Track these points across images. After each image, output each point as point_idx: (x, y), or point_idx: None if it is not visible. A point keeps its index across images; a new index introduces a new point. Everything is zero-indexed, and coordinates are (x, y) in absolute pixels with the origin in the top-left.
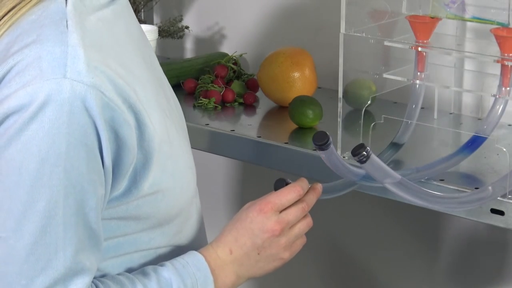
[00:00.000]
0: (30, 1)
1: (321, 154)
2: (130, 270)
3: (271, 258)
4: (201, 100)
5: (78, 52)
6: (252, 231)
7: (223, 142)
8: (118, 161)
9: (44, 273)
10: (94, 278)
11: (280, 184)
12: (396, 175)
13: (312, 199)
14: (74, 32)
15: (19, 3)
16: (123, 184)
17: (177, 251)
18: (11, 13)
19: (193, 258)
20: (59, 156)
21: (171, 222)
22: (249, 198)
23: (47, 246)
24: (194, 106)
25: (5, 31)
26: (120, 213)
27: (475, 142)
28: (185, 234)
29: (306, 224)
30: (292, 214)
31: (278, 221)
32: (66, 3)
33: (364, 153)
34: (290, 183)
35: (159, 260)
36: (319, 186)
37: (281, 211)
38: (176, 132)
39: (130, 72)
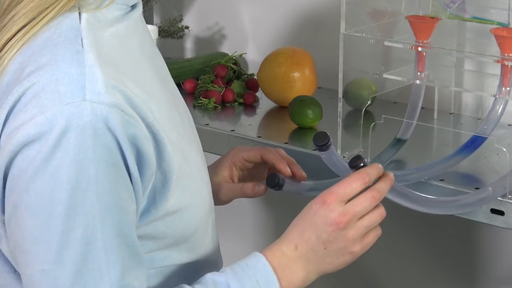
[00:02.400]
0: (43, 19)
1: (322, 154)
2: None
3: (340, 252)
4: (201, 100)
5: (96, 73)
6: (315, 224)
7: (223, 142)
8: (140, 177)
9: None
10: None
11: (272, 179)
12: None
13: (384, 187)
14: (90, 52)
15: (31, 20)
16: (142, 203)
17: (192, 267)
18: (23, 30)
19: (254, 259)
20: (89, 181)
21: (187, 240)
22: (248, 198)
23: (91, 273)
24: (194, 106)
25: (17, 50)
26: (138, 233)
27: (475, 142)
28: (201, 250)
29: (378, 214)
30: (359, 204)
31: (342, 213)
32: (79, 19)
33: (362, 164)
34: (282, 177)
35: (175, 276)
36: (391, 175)
37: (347, 202)
38: (191, 149)
39: (145, 91)
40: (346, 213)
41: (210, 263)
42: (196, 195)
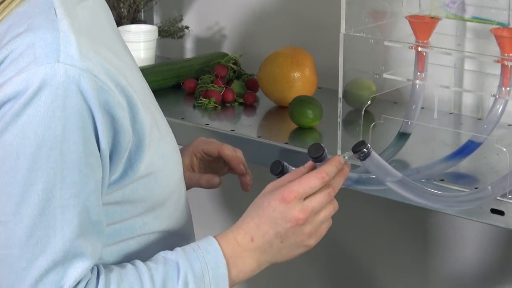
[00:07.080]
0: None
1: (317, 165)
2: (127, 257)
3: (295, 245)
4: (201, 100)
5: (70, 38)
6: (274, 220)
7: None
8: (116, 144)
9: (43, 255)
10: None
11: (276, 166)
12: (397, 173)
13: (338, 182)
14: (64, 19)
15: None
16: (120, 167)
17: (168, 236)
18: (0, 7)
19: (206, 242)
20: (55, 139)
21: (163, 205)
22: (248, 199)
23: (46, 229)
24: (194, 106)
25: None
26: (117, 198)
27: (474, 142)
28: (176, 218)
29: (332, 208)
30: (317, 201)
31: (302, 210)
32: None
33: (365, 150)
34: (286, 165)
35: (153, 245)
36: (347, 166)
37: (305, 198)
38: (161, 116)
39: (118, 58)
40: (305, 210)
41: (186, 237)
42: (168, 159)
